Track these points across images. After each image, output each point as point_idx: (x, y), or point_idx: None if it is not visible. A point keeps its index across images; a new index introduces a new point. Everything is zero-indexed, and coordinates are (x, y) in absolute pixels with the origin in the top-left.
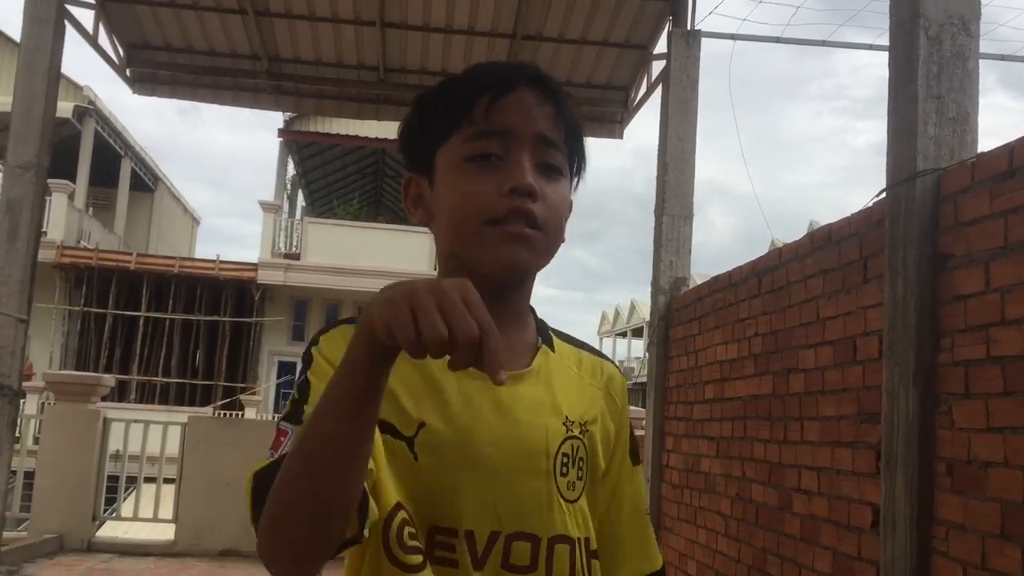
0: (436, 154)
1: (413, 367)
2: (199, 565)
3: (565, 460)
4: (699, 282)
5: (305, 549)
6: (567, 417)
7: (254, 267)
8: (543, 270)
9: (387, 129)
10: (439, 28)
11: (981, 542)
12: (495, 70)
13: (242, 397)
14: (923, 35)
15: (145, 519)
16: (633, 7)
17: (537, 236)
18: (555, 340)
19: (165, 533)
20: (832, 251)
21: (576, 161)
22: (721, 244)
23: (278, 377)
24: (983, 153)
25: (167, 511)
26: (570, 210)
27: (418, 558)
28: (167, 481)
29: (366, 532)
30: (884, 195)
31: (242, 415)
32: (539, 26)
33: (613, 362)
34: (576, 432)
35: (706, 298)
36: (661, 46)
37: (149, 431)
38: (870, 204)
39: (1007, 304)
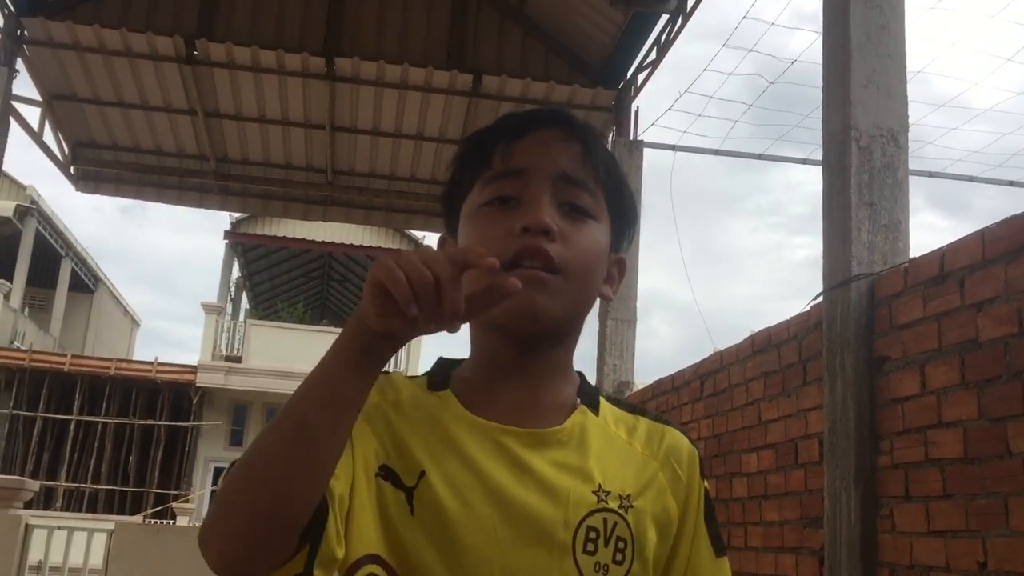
0: (461, 209)
1: (427, 413)
2: None
3: (592, 536)
4: (646, 385)
5: (241, 541)
6: (600, 486)
7: (193, 369)
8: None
9: (334, 232)
10: (388, 132)
11: None
12: (519, 114)
13: (174, 505)
14: (855, 146)
15: None
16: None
17: (555, 281)
18: (603, 403)
19: None
20: (772, 354)
21: (619, 209)
22: (663, 352)
23: (213, 484)
24: (915, 258)
25: None
26: (618, 269)
27: None
28: None
29: (315, 573)
30: (821, 299)
31: (174, 523)
32: None
33: (683, 430)
34: (612, 505)
35: (650, 401)
36: None
37: (73, 538)
38: (808, 308)
39: (943, 406)
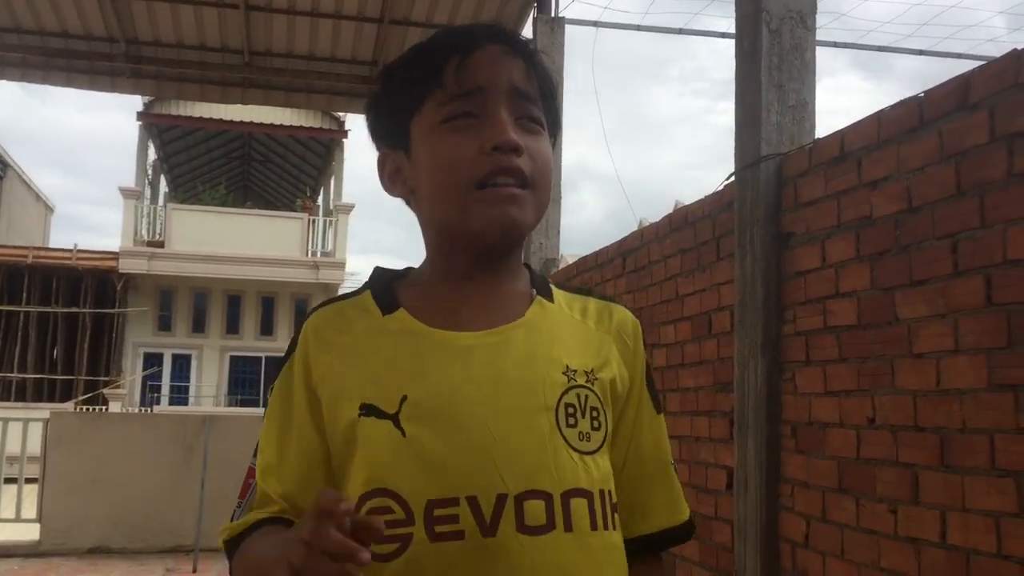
0: (410, 126)
1: (394, 343)
2: (67, 564)
3: (571, 410)
4: (571, 262)
5: None
6: (567, 366)
7: (115, 256)
8: None
9: (253, 112)
10: (305, 12)
11: (822, 497)
12: (459, 31)
13: (105, 391)
14: (765, 28)
15: (7, 519)
16: None
17: (527, 195)
18: (555, 291)
19: (29, 534)
20: (688, 232)
21: (552, 117)
22: (592, 223)
23: (144, 369)
24: (819, 139)
25: (30, 511)
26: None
27: (392, 546)
28: (29, 481)
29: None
30: (733, 179)
31: (106, 409)
32: (407, 11)
33: (625, 307)
34: (581, 381)
35: (574, 278)
36: (528, 31)
37: (8, 428)
38: (720, 187)
39: (840, 279)
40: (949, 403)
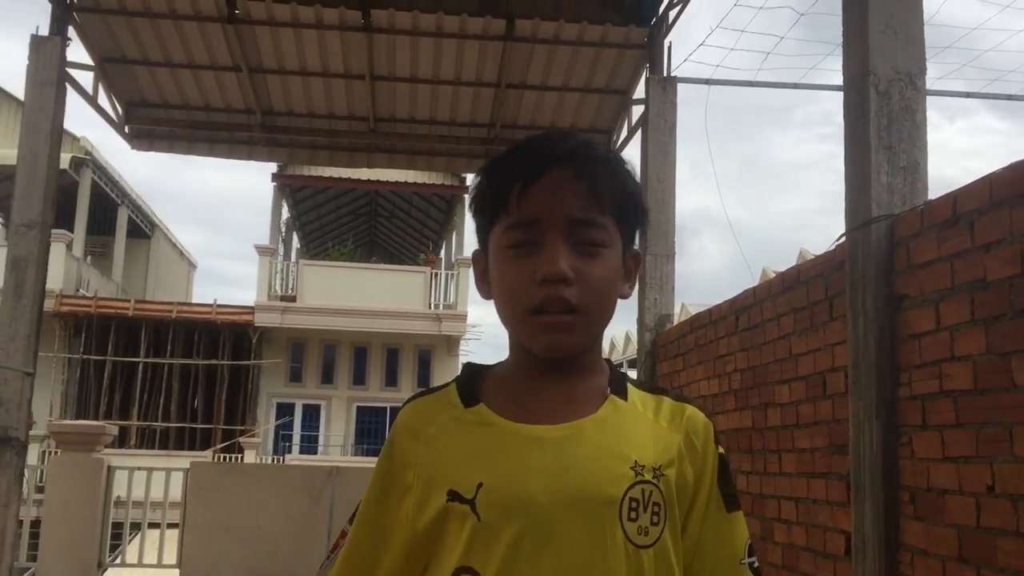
0: (489, 238)
1: (472, 434)
2: None
3: (634, 504)
4: (693, 311)
5: None
6: (636, 462)
7: (251, 310)
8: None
9: (379, 171)
10: (426, 79)
11: (942, 566)
12: (528, 154)
13: (241, 440)
14: (873, 90)
15: (149, 565)
16: (611, 55)
17: (576, 320)
18: (631, 389)
19: None
20: (801, 291)
21: (628, 219)
22: (715, 271)
23: (277, 419)
24: (931, 201)
25: (171, 556)
26: (634, 262)
27: None
28: (170, 526)
29: None
30: (844, 239)
31: (242, 458)
32: (522, 75)
33: (700, 406)
34: (648, 477)
35: (688, 335)
36: (641, 90)
37: (152, 477)
38: (832, 247)
39: (955, 341)
40: None
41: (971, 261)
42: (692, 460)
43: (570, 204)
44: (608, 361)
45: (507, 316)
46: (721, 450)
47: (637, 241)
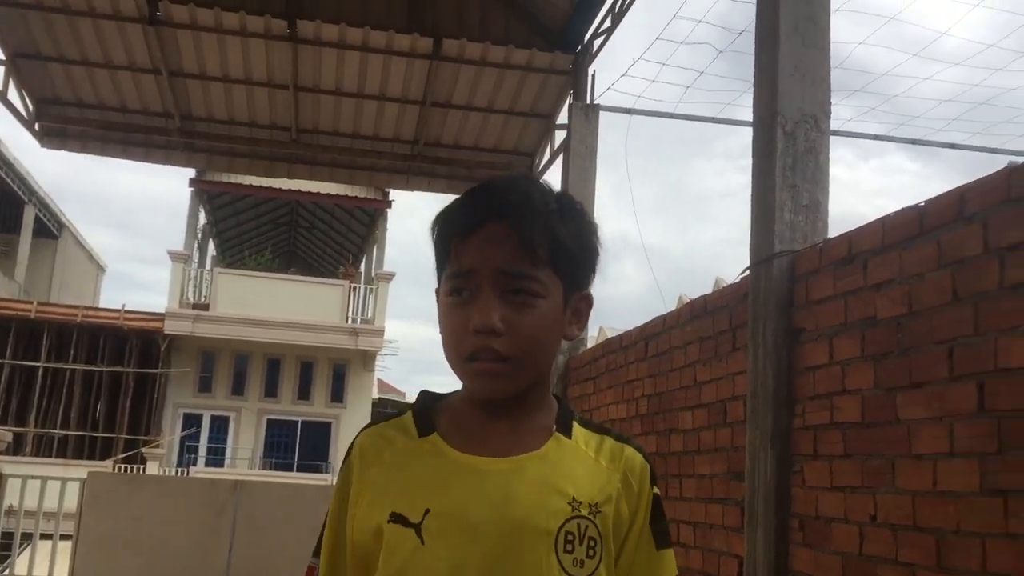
0: (440, 280)
1: (424, 463)
2: None
3: (570, 538)
4: (610, 335)
5: None
6: (573, 497)
7: (161, 317)
8: None
9: (301, 181)
10: (351, 93)
11: None
12: (469, 206)
13: (144, 450)
14: (780, 131)
15: None
16: (537, 80)
17: (505, 368)
18: (576, 427)
19: None
20: (707, 320)
21: (571, 266)
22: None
23: (183, 429)
24: (828, 239)
25: (63, 569)
26: (584, 304)
27: None
28: (63, 538)
29: None
30: (748, 272)
31: (144, 469)
32: (448, 94)
33: (639, 448)
34: (584, 512)
35: (600, 359)
36: (564, 116)
37: (47, 486)
38: (738, 279)
39: (847, 376)
40: (945, 505)
41: (863, 299)
42: (628, 498)
43: (500, 258)
44: (557, 397)
45: (448, 359)
46: (656, 490)
47: (591, 280)
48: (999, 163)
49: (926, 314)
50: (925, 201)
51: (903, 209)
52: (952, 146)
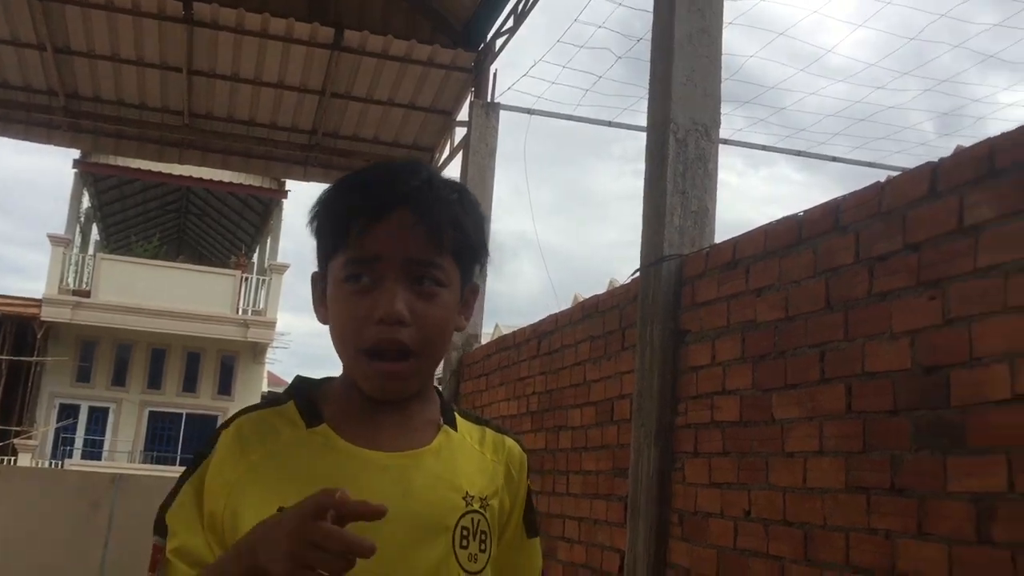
0: (329, 264)
1: (317, 456)
2: None
3: (465, 533)
4: (506, 331)
5: None
6: (467, 492)
7: (38, 303)
8: None
9: (193, 166)
10: (248, 79)
11: None
12: (370, 190)
13: (16, 441)
14: (672, 138)
15: None
16: (438, 76)
17: (407, 366)
18: (459, 419)
19: None
20: (598, 320)
21: (468, 257)
22: (530, 294)
23: (59, 420)
24: (714, 245)
25: None
26: (472, 295)
27: None
28: None
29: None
30: (638, 274)
31: (15, 461)
32: (348, 86)
33: (516, 438)
34: (476, 507)
35: (493, 356)
36: (465, 113)
37: None
38: (628, 281)
39: (727, 376)
40: (813, 501)
41: (745, 303)
42: (509, 489)
43: (410, 246)
44: (437, 389)
45: (340, 350)
46: (529, 482)
47: (478, 272)
48: (877, 176)
49: (801, 319)
50: (804, 211)
51: (783, 218)
52: (834, 159)
